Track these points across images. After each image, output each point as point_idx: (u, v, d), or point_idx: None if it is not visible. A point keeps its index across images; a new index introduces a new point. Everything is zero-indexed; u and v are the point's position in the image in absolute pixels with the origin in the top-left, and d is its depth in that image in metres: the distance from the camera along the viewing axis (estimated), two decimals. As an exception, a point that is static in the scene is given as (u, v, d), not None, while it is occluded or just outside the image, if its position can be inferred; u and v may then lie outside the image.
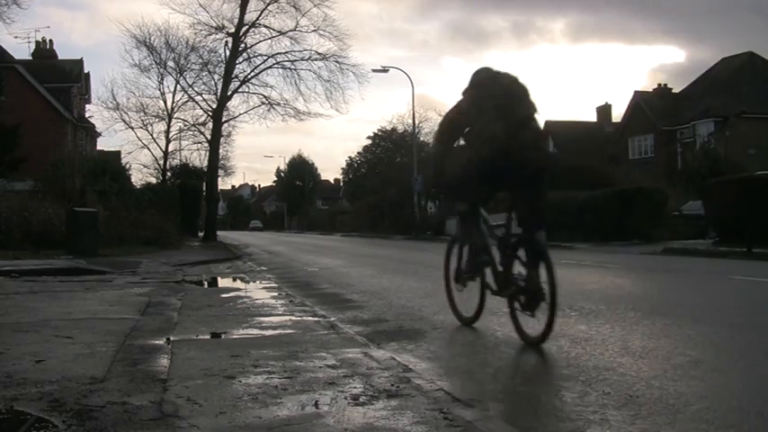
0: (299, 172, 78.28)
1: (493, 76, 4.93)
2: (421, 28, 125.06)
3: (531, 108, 4.80)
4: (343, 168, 69.03)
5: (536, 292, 4.47)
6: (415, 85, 54.16)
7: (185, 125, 34.90)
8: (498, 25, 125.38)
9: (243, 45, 31.31)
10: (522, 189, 4.65)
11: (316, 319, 5.79)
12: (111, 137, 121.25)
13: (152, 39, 32.42)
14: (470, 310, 5.32)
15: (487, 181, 4.72)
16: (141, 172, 40.39)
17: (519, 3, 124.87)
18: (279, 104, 31.97)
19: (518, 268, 4.70)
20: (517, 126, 4.59)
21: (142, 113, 33.85)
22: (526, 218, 4.71)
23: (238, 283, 10.16)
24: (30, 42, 41.55)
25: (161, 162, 36.08)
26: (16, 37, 74.48)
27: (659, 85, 46.29)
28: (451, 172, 5.10)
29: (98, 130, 39.59)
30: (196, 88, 32.53)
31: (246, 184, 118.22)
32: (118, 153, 35.69)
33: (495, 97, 4.71)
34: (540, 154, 4.79)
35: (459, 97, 5.07)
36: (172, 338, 4.73)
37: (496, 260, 4.89)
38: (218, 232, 34.94)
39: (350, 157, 68.62)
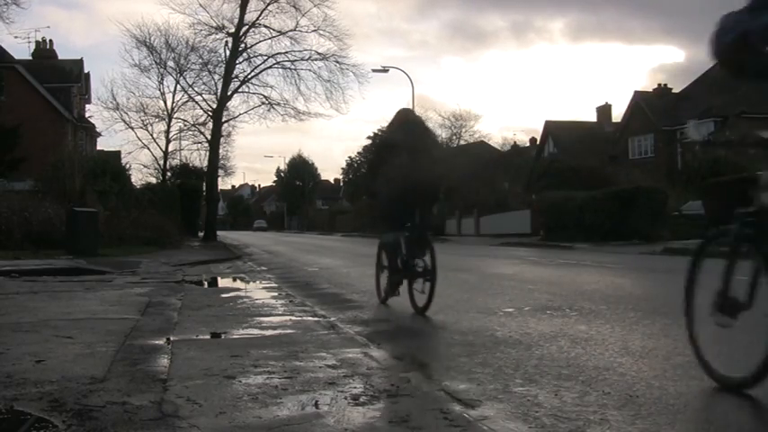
0: (299, 172, 78.32)
1: (407, 117, 6.75)
2: (419, 27, 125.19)
3: (432, 142, 6.80)
4: (343, 168, 69.20)
5: (425, 272, 6.11)
6: (414, 85, 54.04)
7: (185, 125, 34.97)
8: (497, 25, 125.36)
9: (243, 45, 31.37)
10: (423, 202, 6.40)
11: (316, 319, 5.79)
12: (111, 137, 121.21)
13: (152, 39, 32.52)
14: (385, 292, 6.83)
15: (402, 204, 6.30)
16: (141, 172, 40.37)
17: (518, 2, 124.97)
18: (279, 104, 32.05)
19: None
20: (421, 155, 6.27)
21: (142, 113, 33.94)
22: (421, 222, 6.39)
23: (238, 283, 10.16)
24: (30, 42, 41.65)
25: (161, 162, 36.15)
26: (16, 37, 74.43)
27: (659, 85, 46.26)
28: (380, 194, 6.72)
29: (98, 130, 39.62)
30: (196, 88, 32.61)
31: (246, 184, 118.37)
32: (118, 153, 35.72)
33: (407, 133, 6.41)
34: (434, 177, 6.52)
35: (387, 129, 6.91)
36: (172, 338, 4.73)
37: (403, 251, 6.41)
38: (218, 232, 34.96)
39: (350, 157, 68.76)
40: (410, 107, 7.44)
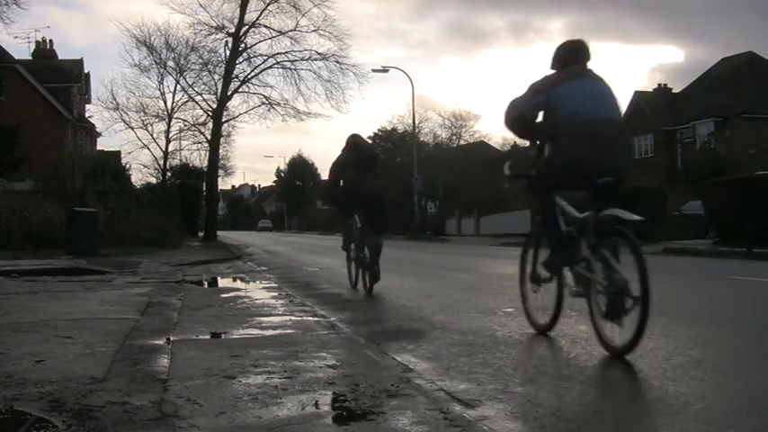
0: (299, 172, 78.30)
1: (356, 140, 8.54)
2: (419, 27, 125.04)
3: (377, 162, 8.59)
4: (343, 168, 68.94)
5: (371, 267, 7.80)
6: (413, 85, 54.09)
7: (185, 125, 34.98)
8: (496, 25, 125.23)
9: (243, 45, 31.37)
10: (368, 210, 8.05)
11: (316, 319, 5.80)
12: (111, 137, 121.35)
13: (152, 39, 32.51)
14: (353, 278, 8.55)
15: (350, 206, 8.31)
16: (141, 172, 40.44)
17: (517, 2, 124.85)
18: (279, 104, 32.06)
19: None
20: (367, 173, 8.14)
21: (142, 113, 33.95)
22: (369, 225, 8.05)
23: (238, 283, 10.16)
24: (30, 42, 41.64)
25: (161, 162, 36.16)
26: (16, 37, 74.57)
27: (659, 84, 46.24)
28: (336, 198, 8.89)
29: (98, 130, 39.62)
30: (196, 88, 32.62)
31: (246, 184, 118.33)
32: (118, 153, 35.73)
33: (356, 154, 8.25)
34: (378, 191, 8.39)
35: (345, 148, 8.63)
36: (172, 338, 4.73)
37: (355, 247, 8.29)
38: (218, 232, 34.95)
39: (350, 157, 68.56)
40: (359, 133, 9.17)
